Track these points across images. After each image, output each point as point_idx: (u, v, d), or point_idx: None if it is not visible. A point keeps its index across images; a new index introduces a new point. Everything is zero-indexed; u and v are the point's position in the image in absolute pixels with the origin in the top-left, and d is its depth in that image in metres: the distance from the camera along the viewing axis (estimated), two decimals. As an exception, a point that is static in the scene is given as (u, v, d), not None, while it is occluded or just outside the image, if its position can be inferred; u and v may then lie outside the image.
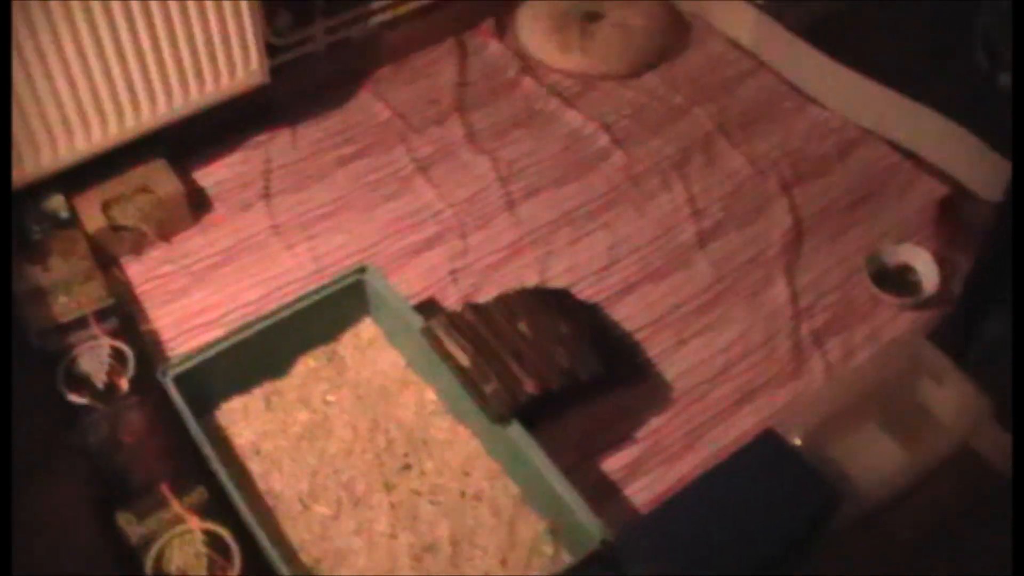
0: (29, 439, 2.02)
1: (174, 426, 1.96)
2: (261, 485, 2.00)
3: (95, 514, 1.89)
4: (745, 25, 2.95)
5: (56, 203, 2.35)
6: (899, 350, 2.17)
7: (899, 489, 1.98)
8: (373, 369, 2.17)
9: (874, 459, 2.01)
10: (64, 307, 2.17)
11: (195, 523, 1.83)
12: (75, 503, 1.95)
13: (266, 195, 2.55)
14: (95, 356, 2.09)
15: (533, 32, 2.95)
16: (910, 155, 2.64)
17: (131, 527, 1.82)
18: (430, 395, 2.13)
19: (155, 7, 2.24)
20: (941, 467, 2.03)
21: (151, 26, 2.26)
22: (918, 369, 2.10)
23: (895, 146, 2.66)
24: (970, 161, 2.50)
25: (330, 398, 2.13)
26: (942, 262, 2.32)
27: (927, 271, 2.32)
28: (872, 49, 2.75)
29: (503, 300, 2.16)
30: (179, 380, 2.00)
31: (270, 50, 2.56)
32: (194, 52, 2.36)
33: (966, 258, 2.30)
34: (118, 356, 2.09)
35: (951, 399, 2.05)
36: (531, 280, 2.35)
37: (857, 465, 1.95)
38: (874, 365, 2.16)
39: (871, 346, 2.24)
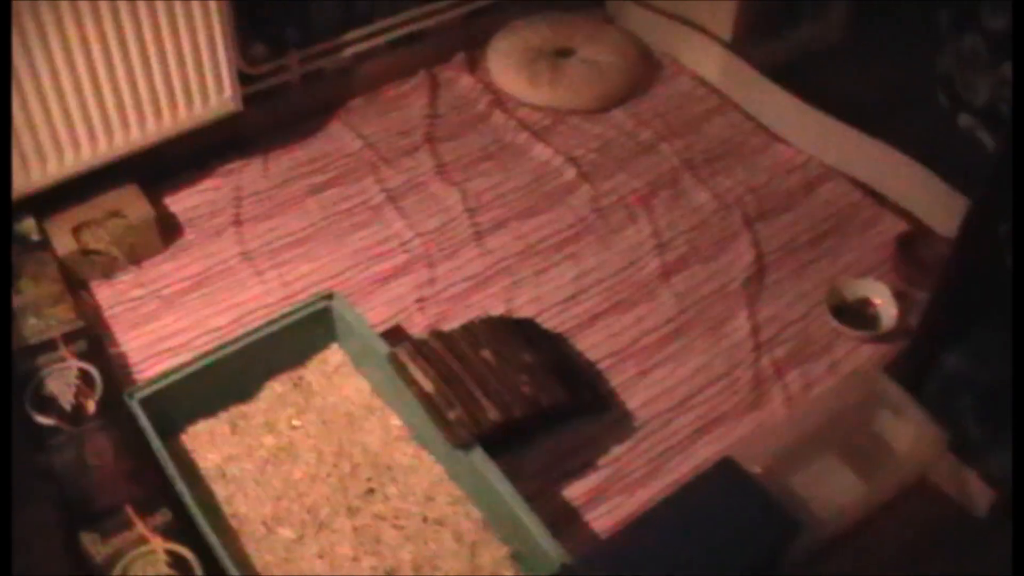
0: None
1: (140, 449, 1.97)
2: (226, 508, 2.01)
3: (60, 534, 1.90)
4: (713, 63, 3.00)
5: (27, 226, 2.36)
6: (858, 382, 2.20)
7: (857, 519, 2.01)
8: (339, 395, 2.19)
9: (832, 489, 2.03)
10: (33, 329, 2.18)
11: (159, 544, 1.83)
12: (42, 524, 1.95)
13: (237, 222, 2.57)
14: (63, 378, 2.09)
15: (504, 67, 2.99)
16: (872, 192, 2.68)
17: (95, 547, 1.82)
18: (395, 421, 2.15)
19: (130, 34, 2.26)
20: (898, 498, 2.06)
21: (125, 52, 2.28)
22: (876, 401, 2.13)
23: (857, 183, 2.71)
24: (929, 198, 2.54)
25: (296, 423, 2.14)
26: (901, 296, 2.36)
27: (886, 305, 2.36)
28: (836, 89, 2.81)
29: (468, 329, 2.18)
30: (146, 403, 2.01)
31: (244, 79, 2.59)
32: (168, 79, 2.39)
33: (924, 293, 2.34)
34: (86, 379, 2.10)
35: (908, 431, 2.09)
36: (497, 310, 2.38)
37: (816, 495, 1.98)
38: (833, 396, 2.19)
39: (831, 378, 2.27)
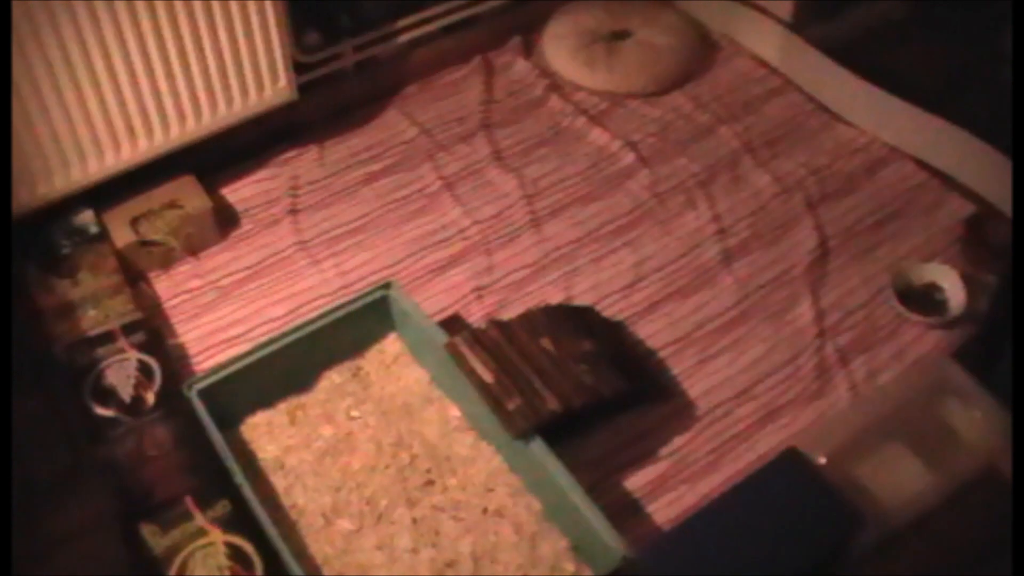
0: (56, 452, 2.04)
1: (199, 440, 1.98)
2: (284, 499, 2.00)
3: (120, 526, 1.91)
4: (772, 43, 2.95)
5: (86, 218, 2.37)
6: (925, 370, 2.16)
7: (924, 510, 1.97)
8: (397, 385, 2.18)
9: (899, 479, 1.99)
10: (92, 321, 2.19)
11: (218, 536, 1.83)
12: (101, 515, 1.96)
13: (293, 211, 2.57)
14: (122, 370, 2.10)
15: (559, 50, 2.96)
16: (937, 173, 2.63)
17: (155, 539, 1.83)
18: (454, 411, 2.13)
19: (184, 24, 2.26)
20: (967, 488, 2.02)
21: (180, 44, 2.29)
22: (944, 389, 2.08)
23: (922, 164, 2.65)
24: (997, 180, 2.48)
25: (354, 413, 2.13)
26: (969, 281, 2.31)
27: (954, 290, 2.31)
28: (899, 67, 2.75)
29: (527, 317, 2.16)
30: (204, 394, 2.01)
31: (298, 68, 2.58)
32: (223, 69, 2.38)
33: (993, 277, 2.29)
34: (145, 370, 2.10)
35: (977, 420, 2.04)
36: (555, 297, 2.36)
37: (882, 485, 1.94)
38: (899, 385, 2.14)
39: (896, 365, 2.23)
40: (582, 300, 2.36)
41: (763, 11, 2.95)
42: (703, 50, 3.02)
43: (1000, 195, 2.50)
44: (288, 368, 2.13)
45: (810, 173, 2.65)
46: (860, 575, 1.91)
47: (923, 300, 2.32)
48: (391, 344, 2.25)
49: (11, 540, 1.61)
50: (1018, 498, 1.78)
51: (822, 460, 1.92)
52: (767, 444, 2.10)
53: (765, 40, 2.97)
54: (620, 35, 3.00)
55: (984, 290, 2.29)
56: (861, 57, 2.78)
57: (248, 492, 1.87)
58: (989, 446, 2.03)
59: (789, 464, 1.90)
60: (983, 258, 2.36)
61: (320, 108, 2.77)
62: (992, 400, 2.01)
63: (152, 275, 2.42)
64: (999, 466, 2.05)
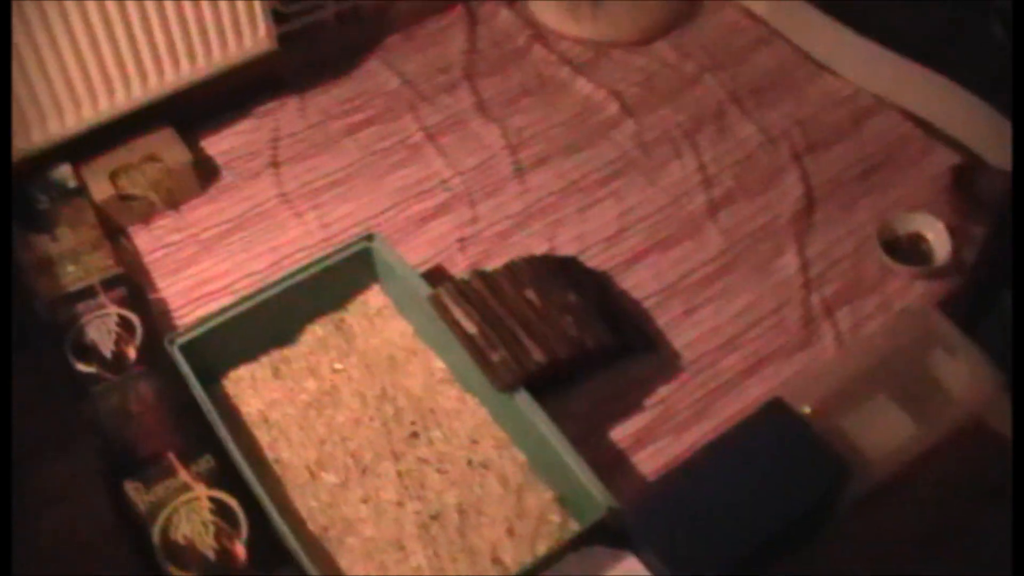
0: (39, 409, 2.03)
1: (182, 395, 1.97)
2: (269, 454, 2.00)
3: (104, 483, 1.90)
4: (759, -7, 2.93)
5: (63, 173, 2.35)
6: (910, 320, 2.16)
7: (909, 461, 1.97)
8: (381, 338, 2.17)
9: (884, 430, 1.98)
10: (72, 276, 2.17)
11: (202, 491, 1.83)
12: (84, 473, 1.95)
13: (274, 163, 2.55)
14: (103, 325, 2.08)
15: (543, -1, 2.93)
16: (924, 124, 2.61)
17: (139, 495, 1.82)
18: (438, 364, 2.12)
19: (161, -26, 2.23)
20: (952, 438, 2.02)
21: (158, -7, 2.25)
22: (929, 340, 2.08)
23: (909, 115, 2.64)
24: (984, 130, 2.47)
25: (338, 366, 2.12)
26: (955, 232, 2.30)
27: (939, 240, 2.30)
28: (886, 18, 2.72)
29: (511, 268, 2.15)
30: (186, 349, 2.00)
31: (278, 17, 2.55)
32: (200, 19, 2.35)
33: (979, 228, 2.28)
34: (126, 325, 2.09)
35: (962, 370, 2.04)
36: (540, 248, 2.34)
37: (867, 436, 1.94)
38: (884, 335, 2.14)
39: (882, 316, 2.22)
40: (566, 251, 2.35)
41: (749, -41, 2.92)
42: (689, 0, 3.00)
43: (986, 145, 2.49)
44: (271, 321, 2.11)
45: (796, 123, 2.63)
46: (846, 525, 1.91)
47: (909, 250, 2.32)
48: (374, 296, 2.24)
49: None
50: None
51: (807, 410, 1.92)
52: (752, 394, 2.10)
53: (751, -11, 2.95)
54: (604, -17, 2.98)
55: (969, 240, 2.28)
56: (848, 7, 2.75)
57: (232, 447, 1.86)
58: (975, 398, 2.03)
59: (774, 414, 1.90)
60: (969, 208, 2.35)
61: (301, 59, 2.73)
62: (977, 351, 2.01)
63: (132, 229, 2.40)
64: (984, 416, 2.05)
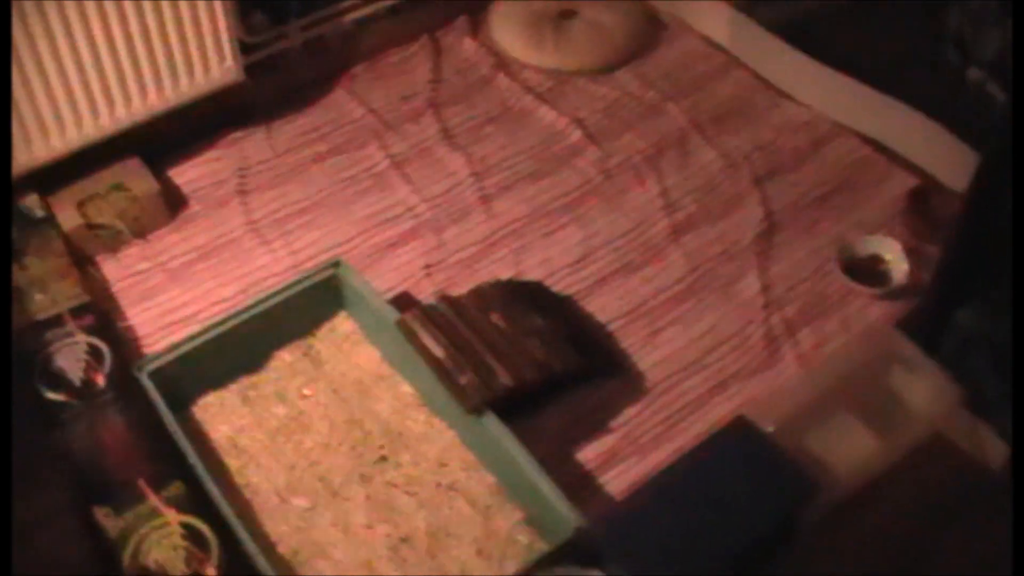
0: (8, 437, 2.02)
1: (151, 422, 1.97)
2: (238, 479, 2.00)
3: (73, 510, 1.90)
4: (720, 22, 2.97)
5: (31, 202, 2.35)
6: (870, 339, 2.19)
7: (871, 477, 2.00)
8: (349, 363, 2.18)
9: (847, 447, 2.01)
10: (40, 305, 2.17)
11: (173, 516, 1.83)
12: (56, 501, 1.95)
13: (242, 192, 2.56)
14: (72, 353, 2.09)
15: (506, 29, 2.96)
16: (881, 148, 2.66)
17: (109, 520, 1.82)
18: (406, 388, 2.14)
19: (129, 6, 2.24)
20: (913, 455, 2.05)
21: (125, 24, 2.27)
22: (890, 358, 2.12)
23: (867, 139, 2.69)
24: (940, 153, 2.52)
25: (306, 392, 2.14)
26: (912, 252, 2.34)
27: (897, 261, 2.34)
28: (844, 45, 2.78)
29: (477, 293, 2.17)
30: (155, 376, 2.01)
31: (244, 48, 2.57)
32: (168, 50, 2.37)
33: (936, 249, 2.32)
34: (95, 353, 2.09)
35: (922, 387, 2.07)
36: (505, 274, 2.37)
37: (830, 453, 1.97)
38: (846, 354, 2.17)
39: (842, 335, 2.26)
40: (532, 276, 2.37)
41: (709, -11, 2.97)
42: (650, 29, 3.03)
43: (942, 168, 2.54)
44: (239, 348, 2.12)
45: (756, 149, 2.67)
46: (811, 539, 1.94)
47: (868, 271, 2.36)
48: (342, 322, 2.25)
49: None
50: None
51: (770, 429, 1.95)
52: (717, 414, 2.12)
53: (712, 19, 2.99)
54: (567, 14, 3.01)
55: (926, 261, 2.32)
56: (807, 35, 2.80)
57: (202, 472, 1.87)
58: (934, 413, 2.07)
59: (738, 433, 1.93)
60: (925, 230, 2.40)
61: (267, 89, 2.75)
62: (936, 367, 2.04)
63: (100, 258, 2.41)
64: (943, 431, 2.09)
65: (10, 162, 2.23)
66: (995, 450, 2.02)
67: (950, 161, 2.48)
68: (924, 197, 2.48)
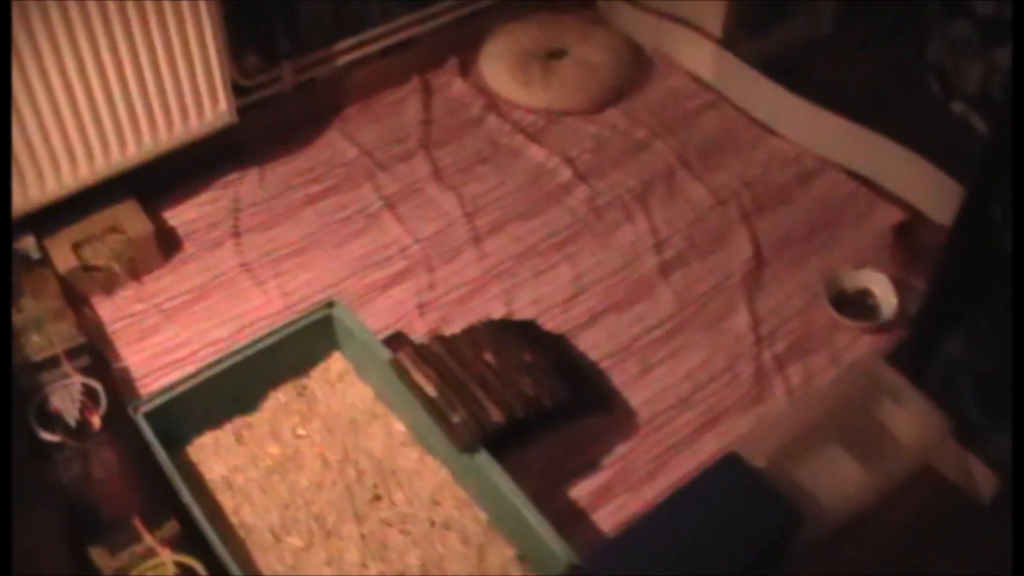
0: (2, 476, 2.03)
1: (146, 462, 1.98)
2: (233, 518, 2.01)
3: (68, 550, 1.91)
4: (705, 59, 3.01)
5: (27, 243, 2.37)
6: (859, 372, 2.21)
7: (862, 508, 2.01)
8: (343, 402, 2.20)
9: (836, 479, 2.03)
10: (36, 346, 2.19)
11: (168, 556, 1.84)
12: (49, 539, 1.96)
13: (235, 234, 2.58)
14: (67, 394, 2.10)
15: (496, 70, 3.00)
16: (867, 182, 2.69)
17: (104, 561, 1.83)
18: (399, 427, 2.15)
19: (123, 50, 2.27)
20: (903, 486, 2.07)
21: (119, 68, 2.29)
22: (878, 390, 2.13)
23: (853, 174, 2.72)
24: (925, 186, 2.55)
25: (300, 431, 2.15)
26: (900, 286, 2.37)
27: (885, 295, 2.37)
28: (828, 80, 2.82)
29: (469, 332, 2.19)
30: (150, 416, 2.02)
31: (238, 90, 2.60)
32: (163, 93, 2.39)
33: (923, 281, 2.34)
34: (90, 394, 2.10)
35: (910, 419, 2.09)
36: (497, 312, 2.39)
37: (820, 485, 1.98)
38: (834, 387, 2.19)
39: (832, 369, 2.28)
40: (523, 314, 2.39)
41: (695, 28, 3.00)
42: (637, 67, 3.07)
43: (927, 201, 2.56)
44: (233, 388, 2.14)
45: (744, 185, 2.70)
46: (801, 571, 1.95)
47: (856, 305, 2.38)
48: (335, 362, 2.27)
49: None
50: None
51: (762, 464, 1.96)
52: (708, 450, 2.14)
53: (698, 56, 3.03)
54: (556, 53, 3.05)
55: (914, 294, 2.35)
56: (791, 71, 2.84)
57: (196, 512, 1.88)
58: (923, 444, 2.08)
59: (729, 469, 1.94)
60: (912, 262, 2.42)
61: (260, 130, 2.78)
62: (923, 399, 2.06)
63: (95, 299, 2.42)
64: (933, 464, 2.11)
65: (10, 200, 2.25)
66: (983, 478, 2.04)
67: (934, 194, 2.51)
68: (910, 230, 2.51)
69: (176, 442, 2.09)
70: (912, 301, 2.33)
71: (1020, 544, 1.61)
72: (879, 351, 2.28)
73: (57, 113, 2.26)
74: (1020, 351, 1.85)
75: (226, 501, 2.04)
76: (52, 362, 2.15)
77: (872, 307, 2.38)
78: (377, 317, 2.39)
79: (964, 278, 1.99)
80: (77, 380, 2.13)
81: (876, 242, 2.53)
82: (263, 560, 1.95)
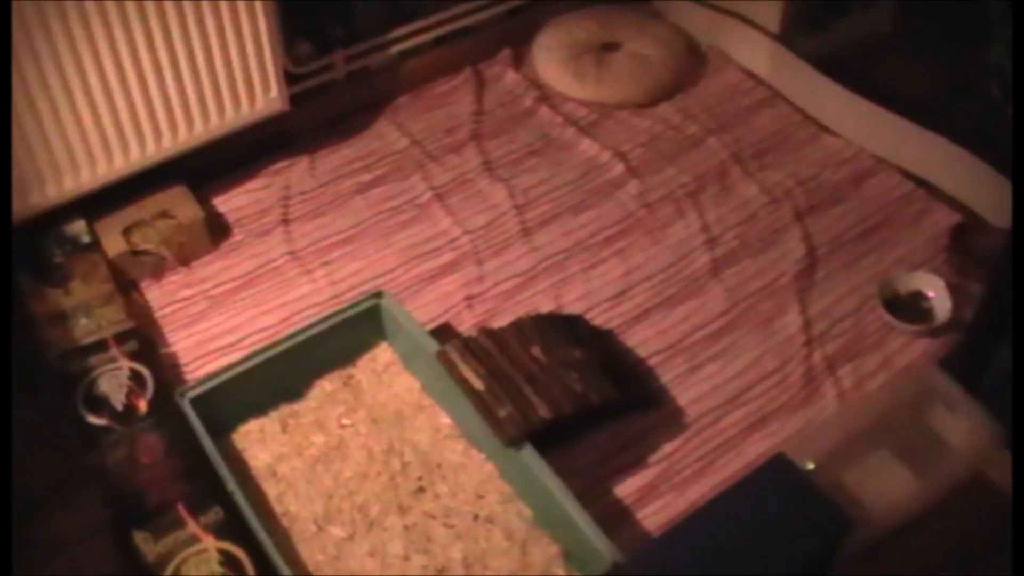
0: (49, 460, 2.05)
1: (191, 448, 1.99)
2: (276, 507, 2.01)
3: (113, 534, 1.92)
4: (761, 56, 2.98)
5: (78, 228, 2.39)
6: (911, 377, 2.17)
7: (911, 516, 1.98)
8: (389, 393, 2.19)
9: (886, 486, 2.00)
10: (84, 330, 2.20)
11: (211, 543, 1.84)
12: (94, 523, 1.97)
13: (284, 221, 2.58)
14: (114, 378, 2.11)
15: (549, 62, 2.98)
16: (923, 184, 2.65)
17: (147, 546, 1.84)
18: (445, 419, 2.14)
19: (176, 34, 2.28)
20: (953, 494, 2.03)
21: (172, 54, 2.30)
22: (930, 396, 2.10)
23: (908, 175, 2.68)
24: (983, 189, 2.51)
25: (346, 421, 2.15)
26: (955, 289, 2.33)
27: (940, 298, 2.33)
28: (886, 80, 2.78)
29: (517, 326, 2.18)
30: (196, 402, 2.02)
31: (290, 78, 2.60)
32: (214, 80, 2.40)
33: (979, 285, 2.31)
34: (137, 379, 2.11)
35: (963, 426, 2.05)
36: (546, 306, 2.37)
37: (869, 491, 1.96)
38: (886, 392, 2.16)
39: (883, 373, 2.24)
40: (572, 309, 2.37)
41: (751, 23, 2.97)
42: (692, 62, 3.04)
43: (984, 204, 2.52)
44: (280, 376, 2.14)
45: (798, 184, 2.67)
46: (847, 578, 1.93)
47: (910, 308, 2.34)
48: (382, 353, 2.26)
49: (11, 547, 1.62)
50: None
51: (810, 466, 1.94)
52: (755, 451, 2.12)
53: (753, 52, 3.00)
54: (610, 47, 3.03)
55: (969, 298, 2.31)
56: (848, 69, 2.81)
57: (240, 499, 1.88)
58: (975, 453, 2.05)
59: (777, 470, 1.91)
60: (968, 267, 2.38)
61: (311, 118, 2.79)
62: (977, 407, 2.03)
63: (144, 284, 2.43)
64: (985, 472, 2.07)
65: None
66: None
67: (992, 197, 2.47)
68: (966, 233, 2.46)
69: (221, 429, 2.10)
70: (968, 306, 2.30)
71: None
72: (932, 356, 2.25)
73: (109, 96, 2.27)
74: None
75: (270, 489, 2.04)
76: (100, 346, 2.17)
77: (926, 310, 2.34)
78: (425, 308, 2.38)
79: (1023, 284, 1.95)
80: (125, 365, 2.13)
81: (931, 245, 2.49)
82: (305, 549, 1.95)
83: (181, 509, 1.89)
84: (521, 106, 2.93)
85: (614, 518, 2.00)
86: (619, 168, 2.72)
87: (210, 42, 2.34)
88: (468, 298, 2.40)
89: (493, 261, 2.49)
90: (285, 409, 2.16)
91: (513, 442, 1.94)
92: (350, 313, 2.19)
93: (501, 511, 2.00)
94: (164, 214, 2.43)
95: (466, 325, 2.34)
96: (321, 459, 2.08)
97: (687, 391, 2.23)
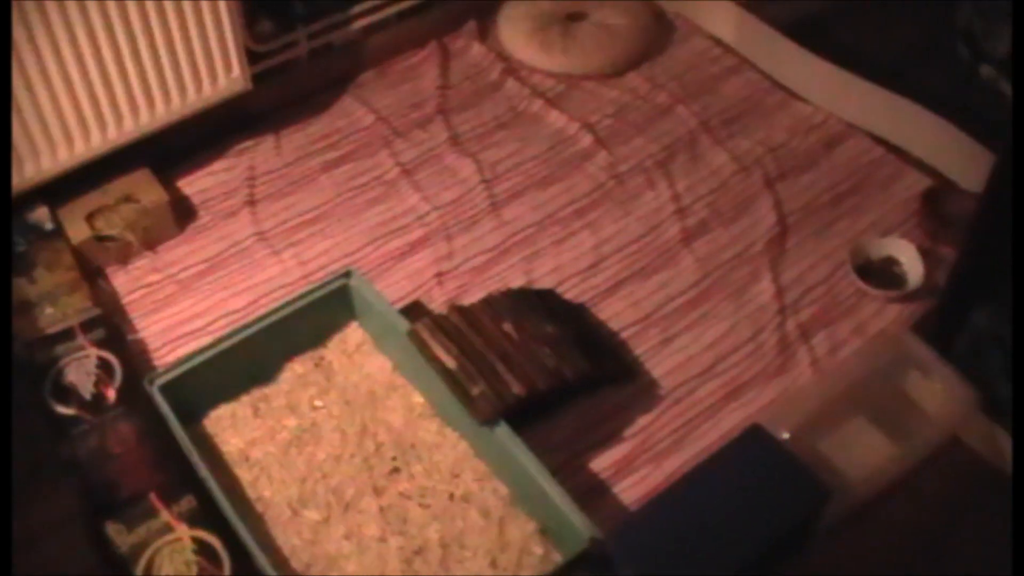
0: (17, 451, 2.02)
1: (162, 435, 1.96)
2: (250, 492, 2.00)
3: (84, 525, 1.90)
4: (728, 23, 2.96)
5: (40, 215, 2.35)
6: (885, 343, 2.17)
7: (888, 481, 1.98)
8: (361, 373, 2.17)
9: (862, 452, 2.00)
10: (50, 318, 2.17)
11: (185, 531, 1.82)
12: (65, 515, 1.95)
13: (251, 202, 2.55)
14: (82, 367, 2.08)
15: (515, 33, 2.95)
16: (894, 149, 2.64)
17: (120, 536, 1.82)
18: (418, 399, 2.13)
19: (134, 16, 2.24)
20: (929, 458, 2.04)
21: (131, 35, 2.26)
22: (904, 361, 2.10)
23: (879, 140, 2.67)
24: (953, 153, 2.50)
25: (318, 403, 2.13)
26: (927, 254, 2.32)
27: (912, 264, 2.32)
28: (854, 45, 2.77)
29: (489, 302, 2.16)
30: (166, 389, 2.00)
31: (252, 57, 2.56)
32: (175, 60, 2.36)
33: (950, 250, 2.31)
34: (105, 366, 2.08)
35: (938, 391, 2.06)
36: (517, 281, 2.36)
37: (845, 458, 1.96)
38: (860, 358, 2.16)
39: (857, 340, 2.24)
40: (543, 283, 2.36)
41: (717, -10, 2.95)
42: (658, 30, 3.02)
43: (955, 168, 2.52)
44: (250, 360, 2.12)
45: (768, 151, 2.66)
46: (826, 544, 1.92)
47: (882, 274, 2.34)
48: (353, 333, 2.24)
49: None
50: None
51: (786, 436, 1.93)
52: (732, 421, 2.11)
53: (721, 19, 2.98)
54: (575, 16, 3.00)
55: (941, 263, 2.31)
56: (816, 34, 2.79)
57: (213, 486, 1.86)
58: (950, 417, 2.05)
59: (753, 441, 1.91)
60: (940, 231, 2.38)
61: (275, 97, 2.75)
62: (952, 371, 2.03)
63: (109, 270, 2.40)
64: (960, 436, 2.07)
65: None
66: (1011, 451, 2.00)
67: (963, 161, 2.47)
68: (938, 197, 2.46)
69: (193, 415, 2.07)
70: (940, 270, 2.30)
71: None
72: (905, 321, 2.25)
73: (68, 81, 2.23)
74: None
75: (243, 475, 2.02)
76: (67, 335, 2.13)
77: (898, 276, 2.33)
78: (395, 287, 2.36)
79: (994, 247, 1.95)
80: (92, 353, 2.11)
81: (903, 210, 2.49)
82: (281, 534, 1.94)
83: (154, 498, 1.87)
84: (488, 79, 2.90)
85: (591, 493, 1.99)
86: (588, 139, 2.69)
87: (169, 22, 2.30)
88: (438, 275, 2.38)
89: (462, 237, 2.47)
90: (256, 393, 2.14)
91: (487, 420, 1.92)
92: (319, 294, 2.16)
93: (477, 489, 1.99)
94: (128, 198, 2.40)
95: (437, 302, 2.32)
96: (294, 442, 2.06)
97: (661, 363, 2.22)
